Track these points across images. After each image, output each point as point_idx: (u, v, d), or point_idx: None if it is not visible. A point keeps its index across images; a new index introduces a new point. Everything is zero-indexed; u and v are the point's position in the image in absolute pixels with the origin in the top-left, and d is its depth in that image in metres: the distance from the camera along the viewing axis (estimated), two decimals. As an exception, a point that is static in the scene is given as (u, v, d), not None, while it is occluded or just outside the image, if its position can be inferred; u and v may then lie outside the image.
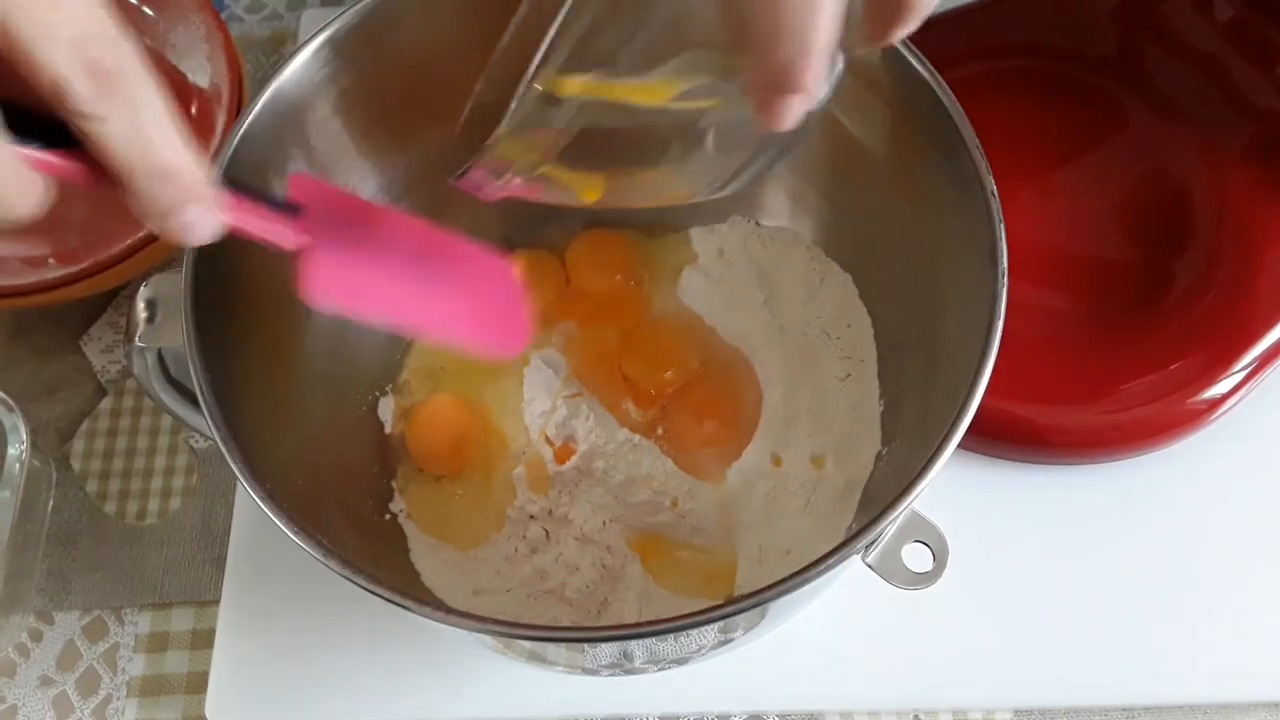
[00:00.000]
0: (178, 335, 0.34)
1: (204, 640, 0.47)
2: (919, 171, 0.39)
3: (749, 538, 0.44)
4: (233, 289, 0.36)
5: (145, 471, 0.51)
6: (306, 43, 0.39)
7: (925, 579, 0.34)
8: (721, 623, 0.31)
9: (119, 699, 0.46)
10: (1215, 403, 0.46)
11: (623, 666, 0.39)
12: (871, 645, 0.44)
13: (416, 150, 0.45)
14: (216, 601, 0.46)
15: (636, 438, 0.45)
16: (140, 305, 0.36)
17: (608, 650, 0.36)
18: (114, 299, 0.54)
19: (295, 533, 0.32)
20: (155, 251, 0.49)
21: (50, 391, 0.52)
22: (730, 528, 0.44)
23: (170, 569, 0.48)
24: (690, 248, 0.50)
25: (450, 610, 0.32)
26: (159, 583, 0.48)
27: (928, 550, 0.34)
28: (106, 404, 0.52)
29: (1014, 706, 0.44)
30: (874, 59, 0.38)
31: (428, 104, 0.43)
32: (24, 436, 0.46)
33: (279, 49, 0.61)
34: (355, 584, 0.31)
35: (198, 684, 0.46)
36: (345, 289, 0.31)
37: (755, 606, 0.30)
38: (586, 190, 0.32)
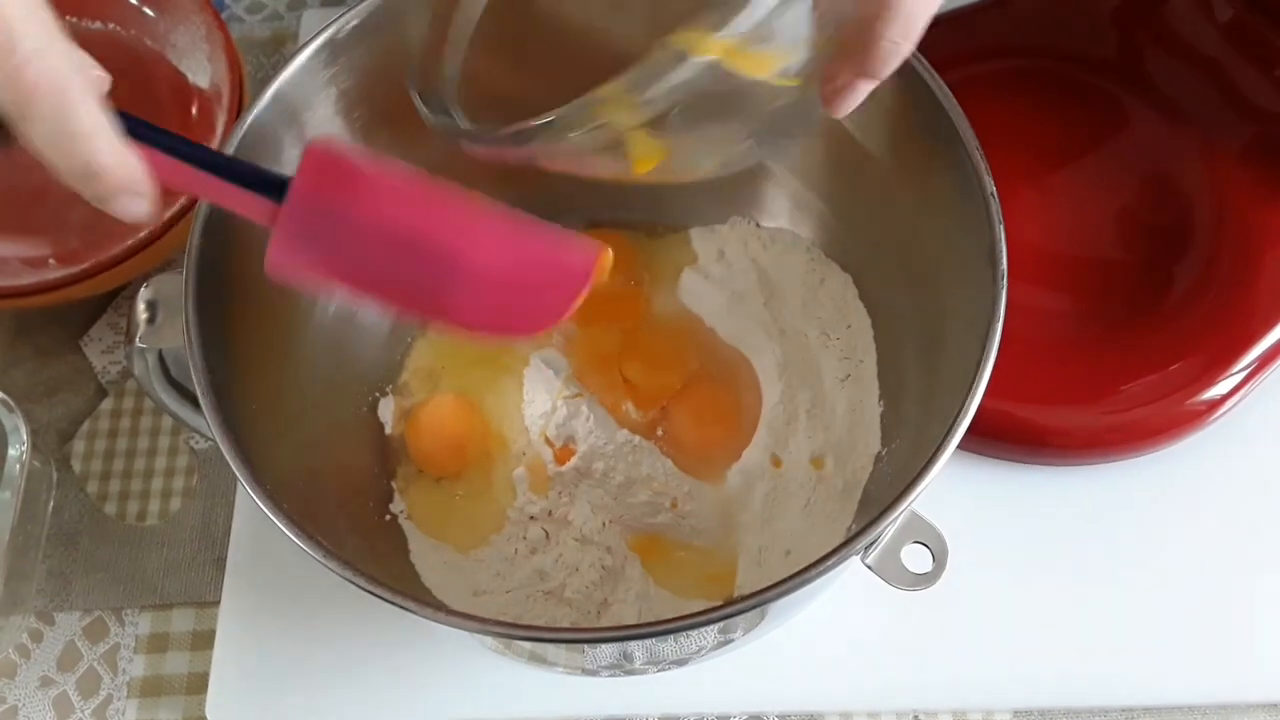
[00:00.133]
0: (178, 336, 0.34)
1: (204, 641, 0.47)
2: (919, 172, 0.39)
3: (749, 538, 0.44)
4: (233, 290, 0.37)
5: (146, 472, 0.51)
6: (307, 44, 0.39)
7: (925, 580, 0.34)
8: (721, 623, 0.31)
9: (119, 699, 0.46)
10: (1215, 403, 0.46)
11: (623, 667, 0.39)
12: (871, 646, 0.44)
13: (417, 151, 0.44)
14: (217, 602, 0.46)
15: (636, 438, 0.45)
16: (141, 306, 0.36)
17: (608, 651, 0.36)
18: (114, 300, 0.54)
19: (295, 534, 0.32)
20: (156, 252, 0.49)
21: (51, 392, 0.52)
22: (730, 528, 0.44)
23: (170, 570, 0.48)
24: (690, 248, 0.50)
25: (450, 611, 0.32)
26: (159, 583, 0.48)
27: (927, 551, 0.34)
28: (107, 405, 0.52)
29: (1013, 707, 0.44)
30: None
31: (428, 105, 0.43)
32: (24, 437, 0.46)
33: (279, 49, 0.61)
34: (355, 585, 0.31)
35: (198, 685, 0.46)
36: (319, 266, 0.31)
37: (755, 607, 0.30)
38: (648, 160, 0.31)
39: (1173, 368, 0.46)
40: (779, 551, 0.43)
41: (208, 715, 0.44)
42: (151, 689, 0.46)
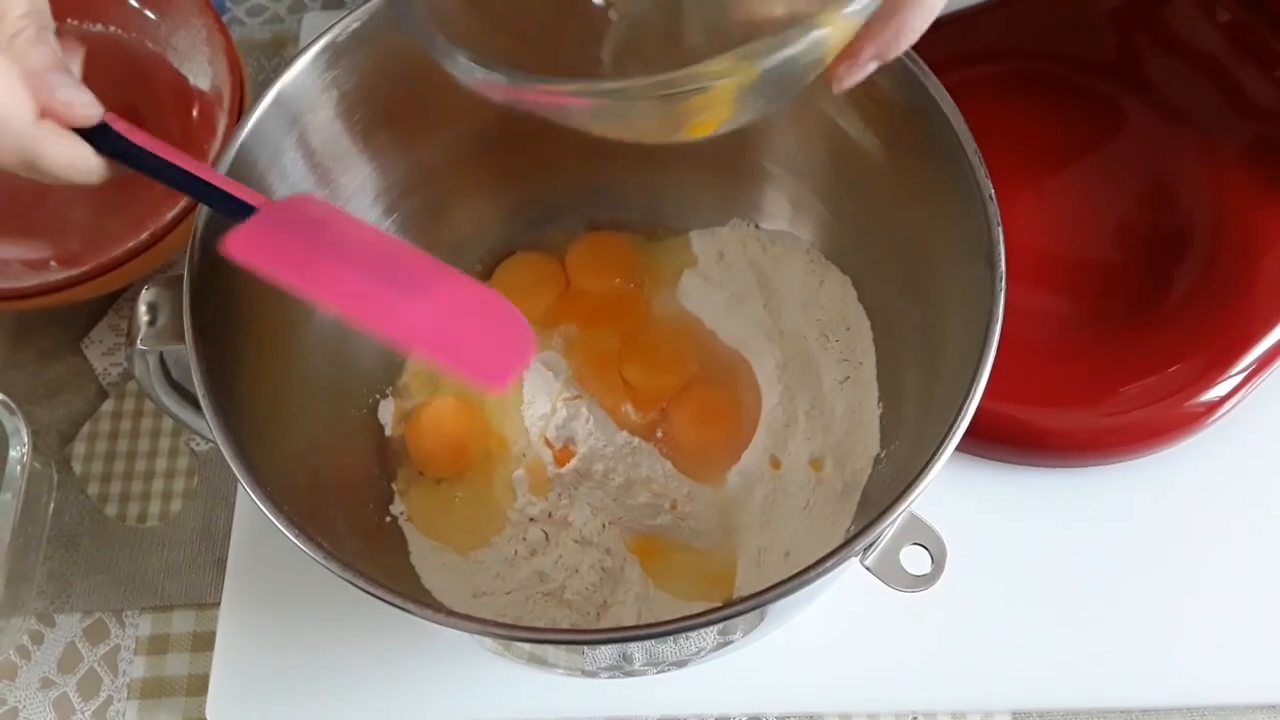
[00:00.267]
0: (179, 339, 0.34)
1: (204, 642, 0.47)
2: (918, 175, 0.39)
3: (748, 540, 0.44)
4: (234, 293, 0.37)
5: (146, 474, 0.51)
6: (308, 47, 0.39)
7: (923, 581, 0.34)
8: (720, 625, 0.31)
9: (120, 701, 0.46)
10: (1214, 405, 0.46)
11: (622, 668, 0.39)
12: (870, 647, 0.44)
13: (417, 153, 0.45)
14: (217, 604, 0.46)
15: (636, 440, 0.45)
16: (142, 309, 0.36)
17: (607, 652, 0.36)
18: (115, 302, 0.54)
19: (296, 535, 0.32)
20: (157, 255, 0.49)
21: (52, 394, 0.52)
22: (729, 530, 0.44)
23: (171, 571, 0.48)
24: (690, 251, 0.50)
25: (450, 612, 0.32)
26: (160, 585, 0.48)
27: (926, 553, 0.34)
28: (108, 407, 0.52)
29: (1012, 708, 0.44)
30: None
31: (428, 107, 0.43)
32: (25, 439, 0.46)
33: (280, 52, 0.61)
34: (356, 586, 0.31)
35: (198, 686, 0.46)
36: (280, 253, 0.32)
37: (754, 609, 0.31)
38: (713, 125, 0.32)
39: (1172, 369, 0.46)
40: (778, 553, 0.43)
41: (208, 716, 0.44)
42: (152, 690, 0.46)
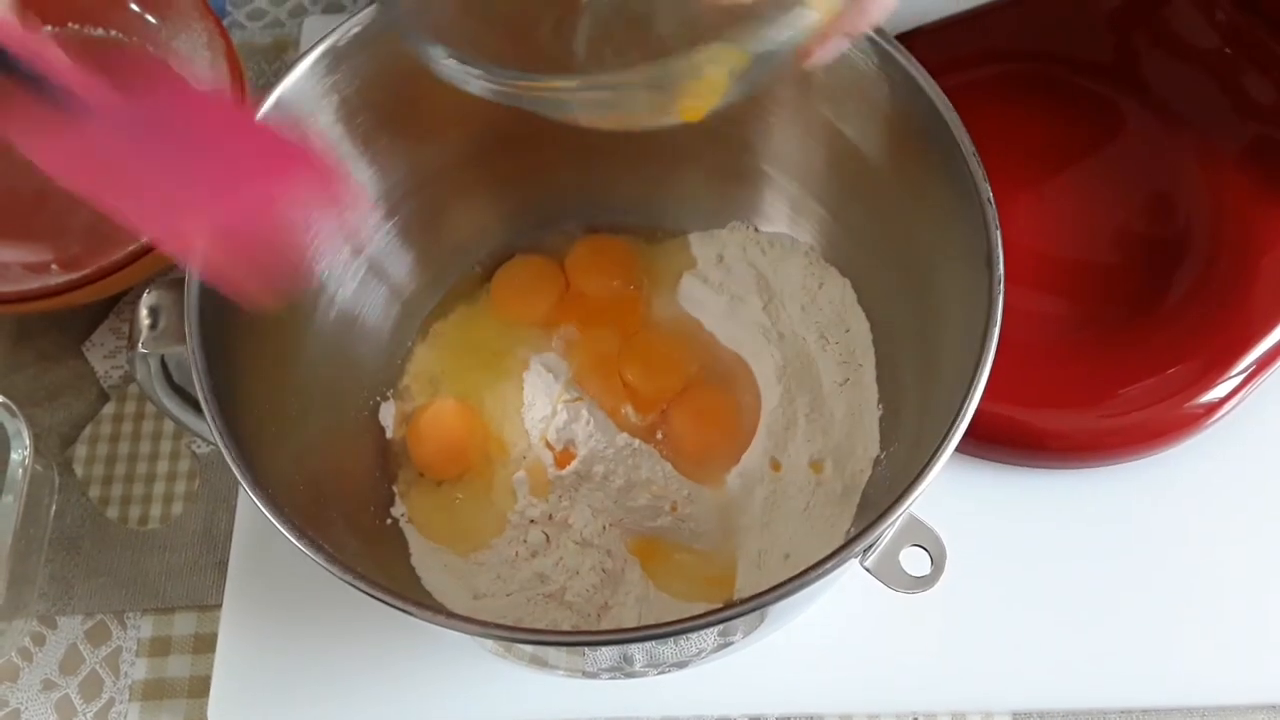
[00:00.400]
0: (180, 342, 0.35)
1: (206, 644, 0.47)
2: (916, 177, 0.39)
3: (748, 542, 0.44)
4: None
5: (147, 477, 0.51)
6: (308, 51, 0.39)
7: (923, 583, 0.34)
8: (721, 626, 0.31)
9: (121, 703, 0.46)
10: (1213, 407, 0.46)
11: (623, 670, 0.39)
12: (870, 648, 0.44)
13: (418, 157, 0.45)
14: (218, 606, 0.46)
15: (636, 442, 0.46)
16: (144, 312, 0.36)
17: (608, 654, 0.36)
18: (116, 305, 0.54)
19: (297, 537, 0.32)
20: (157, 258, 0.49)
21: (53, 397, 0.52)
22: (729, 532, 0.44)
23: (172, 573, 0.48)
24: (689, 253, 0.50)
25: (451, 614, 0.32)
26: (161, 587, 0.48)
27: (925, 554, 0.34)
28: (109, 409, 0.52)
29: (1012, 709, 0.44)
30: (871, 65, 0.38)
31: (429, 111, 0.43)
32: (27, 442, 0.46)
33: (281, 56, 0.61)
34: (357, 588, 0.31)
35: (200, 688, 0.46)
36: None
37: (754, 610, 0.31)
38: (703, 108, 0.31)
39: (1171, 371, 0.46)
40: (778, 554, 0.43)
41: (210, 718, 0.44)
42: (154, 692, 0.46)
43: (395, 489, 0.46)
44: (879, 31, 0.37)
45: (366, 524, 0.44)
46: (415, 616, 0.31)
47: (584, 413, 0.46)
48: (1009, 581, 0.45)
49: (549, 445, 0.46)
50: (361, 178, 0.44)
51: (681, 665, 0.40)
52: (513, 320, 0.49)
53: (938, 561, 0.34)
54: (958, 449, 0.32)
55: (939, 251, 0.39)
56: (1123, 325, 0.48)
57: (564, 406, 0.47)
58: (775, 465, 0.46)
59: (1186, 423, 0.46)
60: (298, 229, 0.39)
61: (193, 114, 0.32)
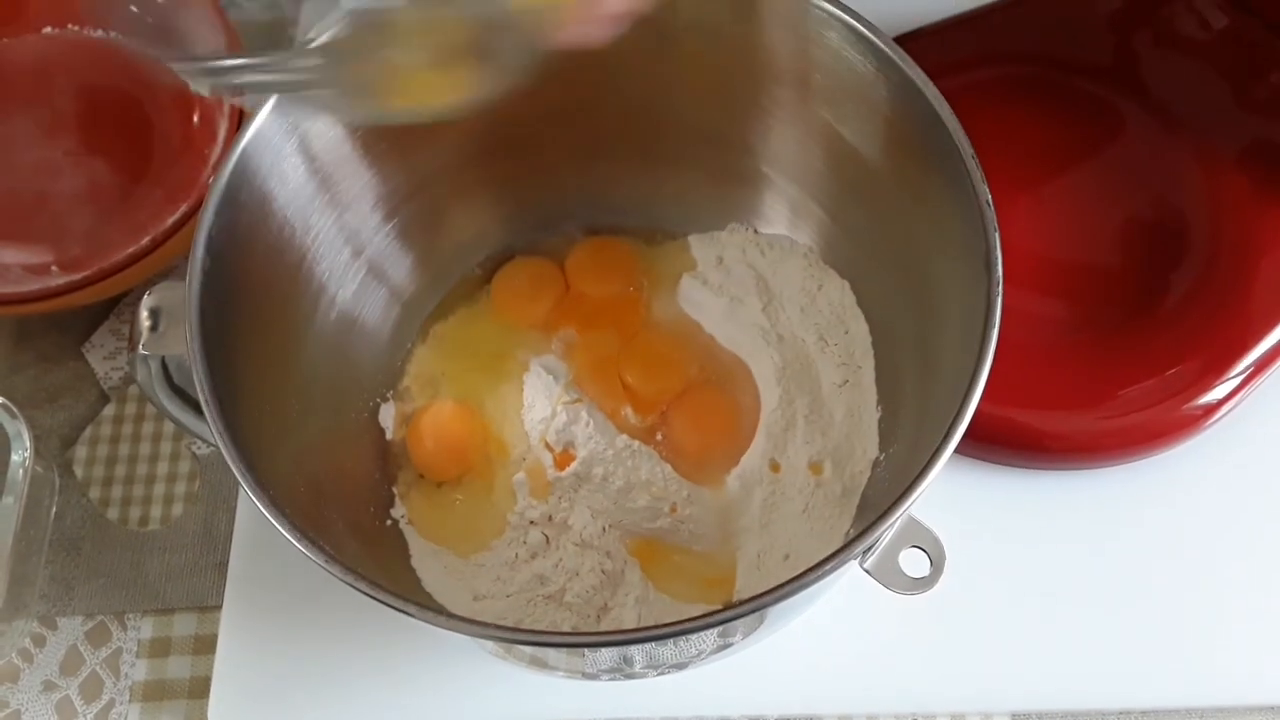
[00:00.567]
0: (181, 344, 0.35)
1: (206, 645, 0.47)
2: (915, 179, 0.39)
3: (748, 543, 0.44)
4: (235, 298, 0.37)
5: (148, 478, 0.51)
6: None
7: (922, 584, 0.34)
8: (720, 627, 0.31)
9: (122, 704, 0.46)
10: (1212, 408, 0.46)
11: (622, 671, 0.39)
12: (869, 649, 0.44)
13: (418, 158, 0.45)
14: (218, 607, 0.46)
15: (636, 444, 0.46)
16: (144, 314, 0.36)
17: (607, 655, 0.36)
18: (116, 306, 0.54)
19: (297, 538, 0.32)
20: (158, 259, 0.49)
21: (53, 398, 0.52)
22: (729, 533, 0.44)
23: (172, 575, 0.48)
24: (689, 255, 0.50)
25: (451, 616, 0.32)
26: (161, 588, 0.48)
27: (925, 556, 0.34)
28: (109, 410, 0.52)
29: (1011, 710, 0.44)
30: (870, 67, 0.38)
31: (429, 113, 0.43)
32: (27, 443, 0.46)
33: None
34: (357, 590, 0.31)
35: (200, 689, 0.46)
36: None
37: (754, 612, 0.31)
38: (448, 91, 0.31)
39: (1170, 372, 0.46)
40: (778, 556, 0.43)
41: (210, 719, 0.44)
42: (154, 693, 0.46)
43: (395, 490, 0.46)
44: (878, 33, 0.37)
45: (366, 525, 0.44)
46: (415, 618, 0.31)
47: (584, 414, 0.46)
48: (1008, 583, 0.45)
49: (549, 447, 0.46)
50: (361, 180, 0.44)
51: (681, 666, 0.40)
52: (513, 322, 0.49)
53: (937, 563, 0.34)
54: (957, 450, 0.32)
55: (938, 253, 0.39)
56: (1122, 326, 0.48)
57: (564, 408, 0.47)
58: (775, 467, 0.46)
59: (1185, 424, 0.46)
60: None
61: None
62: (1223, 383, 0.46)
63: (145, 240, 0.48)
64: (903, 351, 0.44)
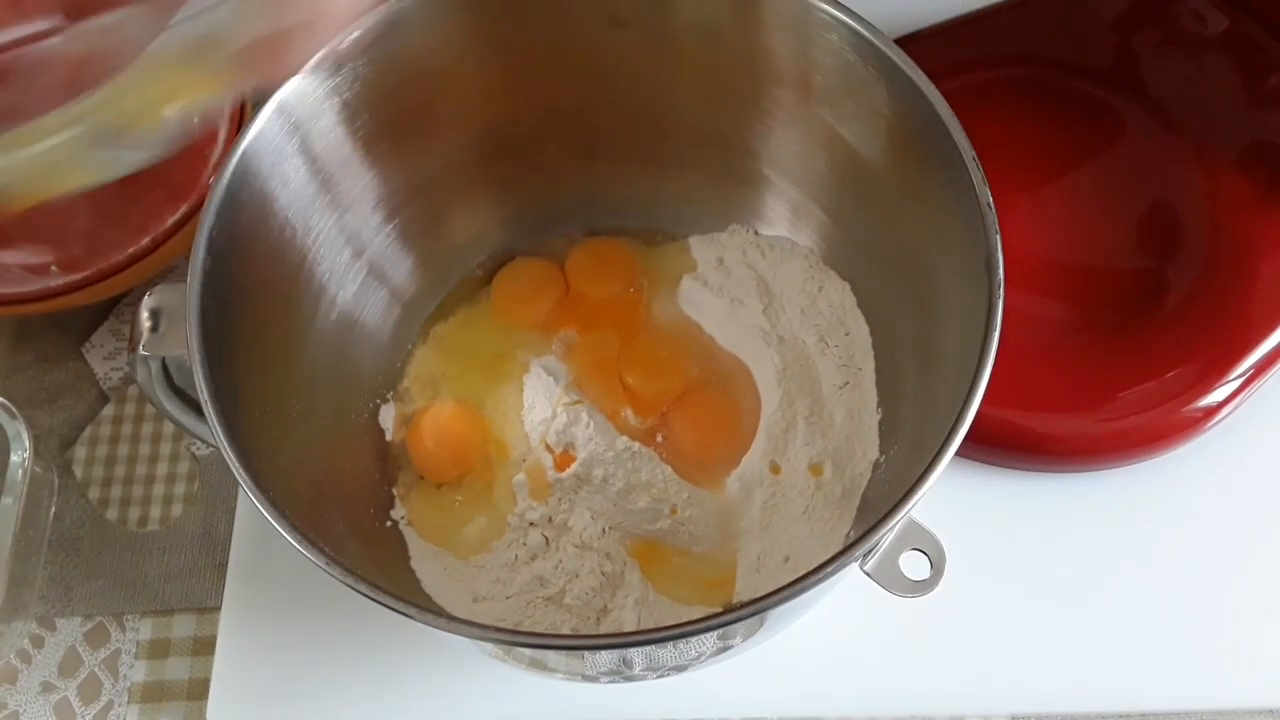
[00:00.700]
0: (181, 344, 0.34)
1: (205, 647, 0.47)
2: (916, 181, 0.39)
3: (748, 545, 0.44)
4: (236, 299, 0.37)
5: (147, 478, 0.51)
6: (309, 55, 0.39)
7: (923, 587, 0.34)
8: (720, 630, 0.31)
9: (120, 705, 0.46)
10: (1212, 410, 0.46)
11: (622, 673, 0.39)
12: (869, 652, 0.44)
13: (418, 159, 0.45)
14: (218, 608, 0.46)
15: (636, 445, 0.46)
16: (144, 315, 0.36)
17: (607, 657, 0.36)
18: (116, 306, 0.54)
19: (297, 539, 0.32)
20: (157, 260, 0.49)
21: (53, 398, 0.52)
22: (729, 535, 0.44)
23: (172, 576, 0.48)
24: (689, 256, 0.50)
25: (451, 617, 0.32)
26: (160, 589, 0.48)
27: (925, 558, 0.34)
28: (108, 411, 0.52)
29: (1011, 713, 0.44)
30: (871, 69, 0.38)
31: (429, 114, 0.43)
32: (26, 443, 0.46)
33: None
34: (357, 591, 0.31)
35: (199, 690, 0.46)
36: None
37: (754, 614, 0.31)
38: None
39: (1170, 374, 0.46)
40: (778, 558, 0.43)
41: (209, 721, 0.44)
42: (153, 694, 0.46)
43: (395, 491, 0.46)
44: (879, 35, 0.37)
45: (366, 526, 0.44)
46: (415, 619, 0.31)
47: (584, 416, 0.46)
48: (1008, 585, 0.45)
49: (549, 448, 0.46)
50: (362, 181, 0.44)
51: (681, 669, 0.40)
52: (513, 323, 0.49)
53: (937, 565, 0.34)
54: (957, 452, 0.32)
55: (939, 255, 0.39)
56: (1122, 328, 0.48)
57: (564, 409, 0.47)
58: (775, 468, 0.46)
59: (1185, 426, 0.46)
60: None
61: None
62: (1223, 385, 0.46)
63: (145, 240, 0.48)
64: (903, 353, 0.44)
